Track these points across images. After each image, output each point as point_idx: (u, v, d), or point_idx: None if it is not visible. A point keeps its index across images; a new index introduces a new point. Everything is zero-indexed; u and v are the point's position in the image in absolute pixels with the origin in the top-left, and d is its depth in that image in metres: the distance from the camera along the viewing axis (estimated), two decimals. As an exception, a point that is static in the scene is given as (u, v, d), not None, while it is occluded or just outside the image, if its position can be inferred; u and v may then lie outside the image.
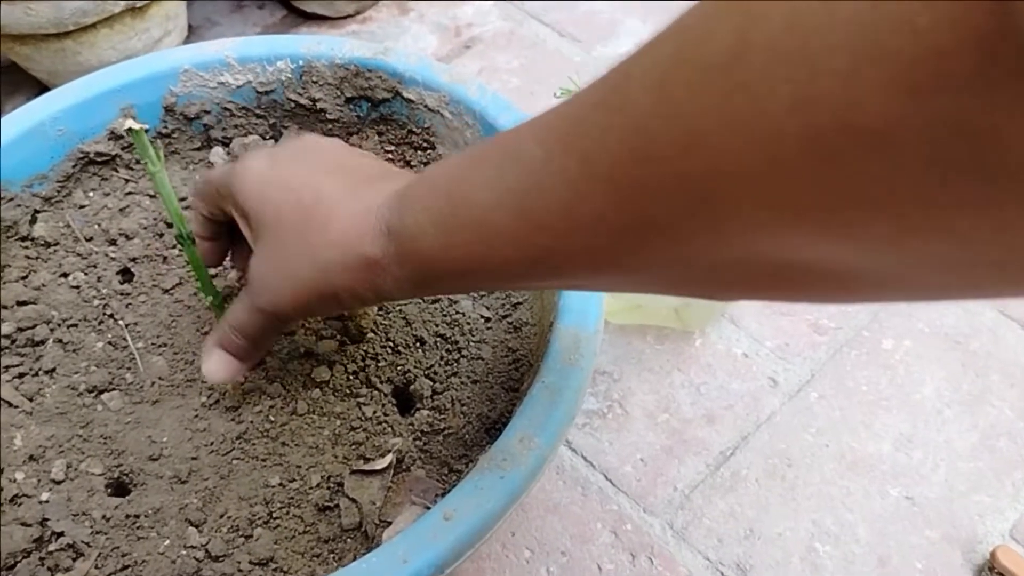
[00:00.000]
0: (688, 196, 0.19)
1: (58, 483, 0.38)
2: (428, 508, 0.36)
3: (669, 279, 0.23)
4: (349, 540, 0.37)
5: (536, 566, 0.46)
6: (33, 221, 0.46)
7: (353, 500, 0.37)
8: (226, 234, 0.39)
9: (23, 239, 0.46)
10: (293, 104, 0.50)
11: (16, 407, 0.41)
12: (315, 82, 0.50)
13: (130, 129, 0.32)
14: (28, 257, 0.46)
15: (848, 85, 0.15)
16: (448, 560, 0.31)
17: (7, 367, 0.42)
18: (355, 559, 0.36)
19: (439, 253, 0.27)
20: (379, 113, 0.50)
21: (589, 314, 0.38)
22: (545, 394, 0.35)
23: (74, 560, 0.36)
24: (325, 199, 0.31)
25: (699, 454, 0.50)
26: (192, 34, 0.74)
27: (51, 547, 0.36)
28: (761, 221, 0.18)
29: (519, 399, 0.38)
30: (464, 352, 0.43)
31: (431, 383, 0.41)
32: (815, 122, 0.16)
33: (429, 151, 0.49)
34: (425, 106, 0.48)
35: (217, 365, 0.36)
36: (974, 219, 0.16)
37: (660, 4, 0.77)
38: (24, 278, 0.45)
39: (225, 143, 0.51)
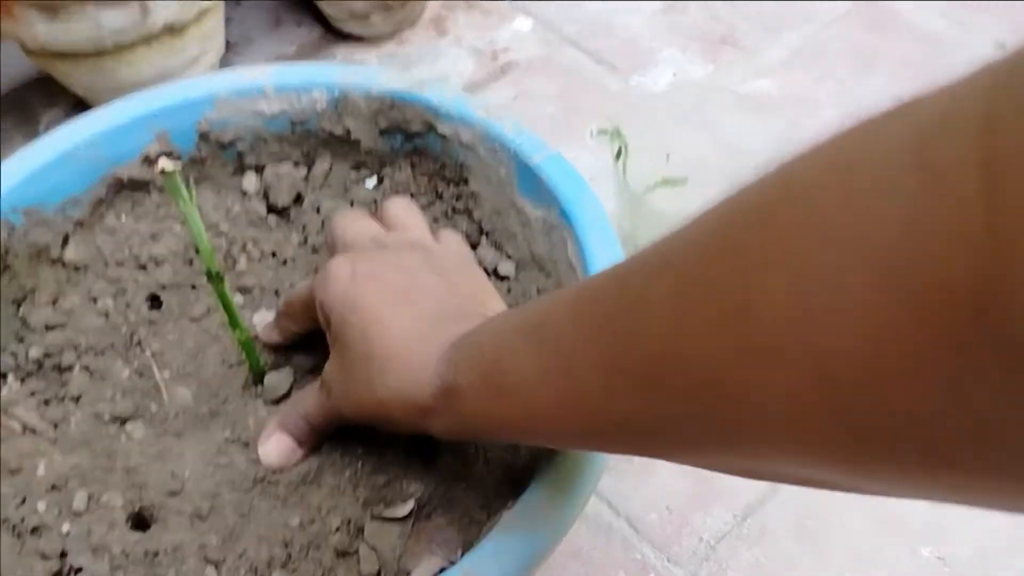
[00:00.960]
0: (707, 423, 0.20)
1: (79, 515, 0.38)
2: (449, 561, 0.36)
3: (692, 463, 0.24)
4: (367, 588, 0.36)
5: (556, 613, 0.45)
6: (64, 244, 0.47)
7: (373, 547, 0.37)
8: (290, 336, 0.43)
9: (54, 261, 0.46)
10: (327, 134, 0.50)
11: (41, 434, 0.41)
12: (350, 113, 0.49)
13: (163, 171, 0.31)
14: (58, 280, 0.46)
15: (867, 371, 0.15)
16: (467, 622, 0.30)
17: (33, 392, 0.42)
18: (372, 609, 0.36)
19: (484, 416, 0.30)
20: (413, 145, 0.50)
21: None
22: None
23: (91, 596, 0.36)
24: (389, 337, 0.33)
25: (727, 504, 0.49)
26: (229, 51, 0.74)
27: (69, 582, 0.36)
28: (778, 453, 0.19)
29: (543, 449, 0.38)
30: (490, 397, 0.42)
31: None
32: (837, 399, 0.16)
33: (462, 185, 0.49)
34: (459, 142, 0.48)
35: (277, 447, 0.39)
36: (982, 490, 0.16)
37: (700, 33, 0.76)
38: (54, 302, 0.45)
39: (258, 170, 0.51)
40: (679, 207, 0.47)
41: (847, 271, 0.15)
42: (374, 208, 0.50)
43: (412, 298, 0.35)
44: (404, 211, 0.44)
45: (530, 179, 0.45)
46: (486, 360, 0.29)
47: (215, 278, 0.38)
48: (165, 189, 0.47)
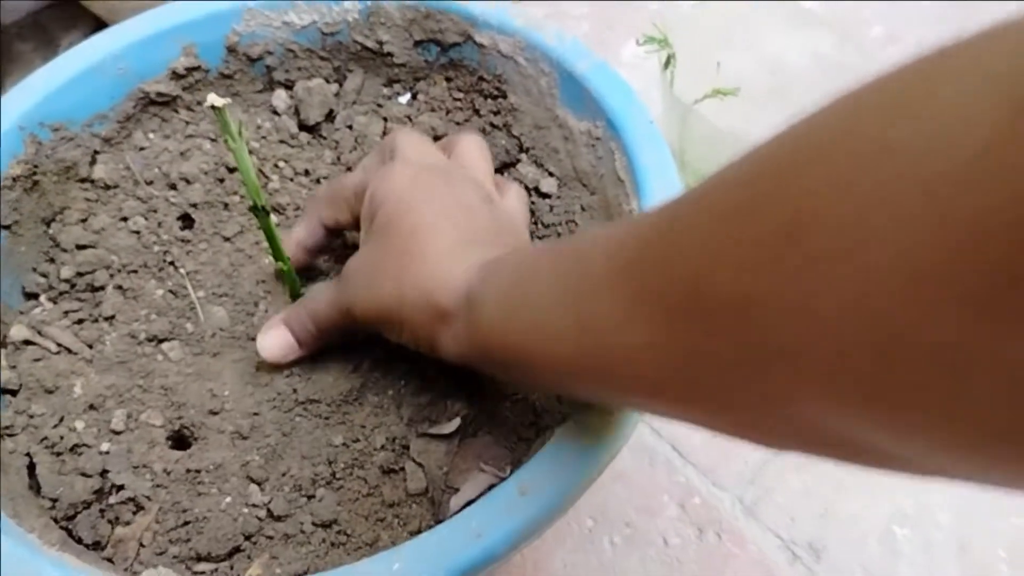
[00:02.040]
0: (736, 356, 0.19)
1: (118, 434, 0.38)
2: (498, 477, 0.35)
3: (719, 424, 0.22)
4: (415, 506, 0.36)
5: (599, 536, 0.45)
6: (93, 162, 0.45)
7: (419, 464, 0.36)
8: (321, 238, 0.41)
9: (83, 180, 0.45)
10: (359, 47, 0.48)
11: (76, 354, 0.40)
12: (383, 23, 0.47)
13: (213, 106, 0.30)
14: (88, 199, 0.44)
15: (917, 299, 0.14)
16: (523, 536, 0.29)
17: (66, 312, 0.41)
18: (421, 526, 0.35)
19: (498, 332, 0.29)
20: (448, 58, 0.48)
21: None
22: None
23: (134, 513, 0.35)
24: (433, 241, 0.33)
25: (772, 427, 0.48)
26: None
27: (111, 499, 0.36)
28: (812, 401, 0.17)
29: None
30: (536, 314, 0.41)
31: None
32: (872, 335, 0.15)
33: (500, 99, 0.47)
34: (498, 51, 0.46)
35: (275, 342, 0.38)
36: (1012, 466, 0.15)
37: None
38: (84, 221, 0.44)
39: (288, 86, 0.49)
40: (728, 122, 0.45)
41: (912, 192, 0.14)
42: (408, 124, 0.48)
43: (460, 216, 0.35)
44: (475, 151, 0.41)
45: (573, 89, 0.43)
46: (509, 279, 0.29)
47: (260, 212, 0.36)
48: (198, 88, 0.46)
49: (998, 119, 0.13)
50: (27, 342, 0.40)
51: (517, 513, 0.29)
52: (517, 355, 0.28)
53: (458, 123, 0.47)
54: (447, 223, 0.34)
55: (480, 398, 0.38)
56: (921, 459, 0.17)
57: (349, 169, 0.47)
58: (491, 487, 0.35)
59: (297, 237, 0.41)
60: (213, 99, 0.29)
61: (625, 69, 0.52)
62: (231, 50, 0.47)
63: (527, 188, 0.45)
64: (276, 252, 0.38)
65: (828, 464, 0.46)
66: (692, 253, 0.19)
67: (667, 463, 0.47)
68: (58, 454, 0.37)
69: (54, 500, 0.35)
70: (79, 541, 0.35)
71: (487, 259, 0.31)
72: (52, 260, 0.43)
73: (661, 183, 0.38)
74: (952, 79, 0.14)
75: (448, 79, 0.48)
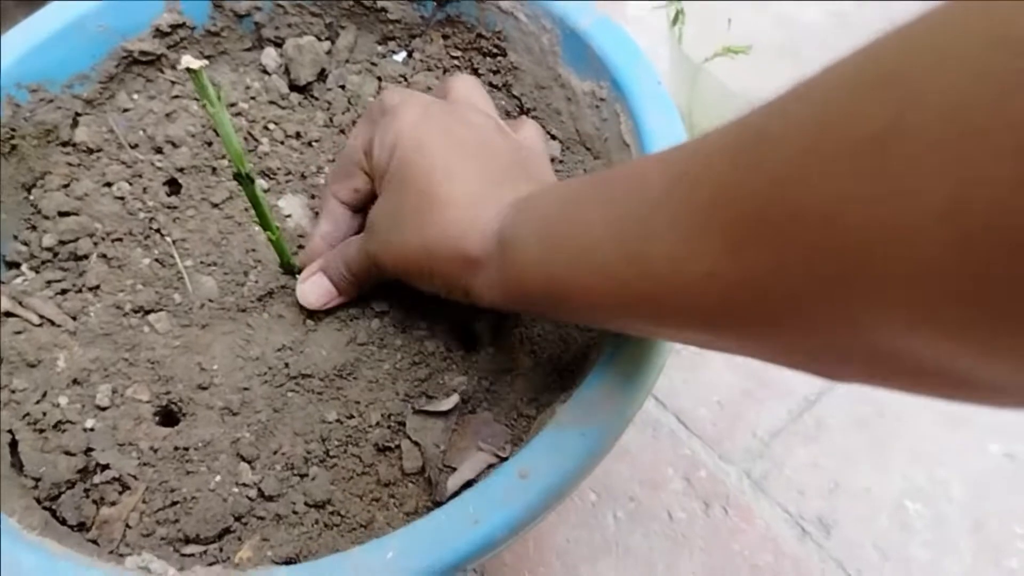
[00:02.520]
0: (814, 275, 0.17)
1: (103, 410, 0.36)
2: (497, 456, 0.34)
3: (775, 352, 0.21)
4: (411, 485, 0.34)
5: (602, 511, 0.43)
6: (75, 125, 0.43)
7: (415, 442, 0.35)
8: (346, 223, 0.39)
9: (64, 144, 0.43)
10: (352, 2, 0.46)
11: (59, 326, 0.38)
12: (377, -23, 0.45)
13: (188, 69, 0.28)
14: (70, 164, 0.43)
15: (1013, 196, 0.13)
16: (523, 522, 0.28)
17: (49, 282, 0.40)
18: (417, 506, 0.34)
19: (538, 270, 0.27)
20: (445, 14, 0.45)
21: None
22: (632, 339, 0.31)
23: (120, 493, 0.34)
24: (453, 184, 0.31)
25: (781, 399, 0.47)
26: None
27: (96, 479, 0.34)
28: (894, 320, 0.16)
29: (597, 341, 0.35)
30: (537, 285, 0.39)
31: (498, 318, 0.38)
32: (970, 233, 0.14)
33: (499, 57, 0.45)
34: (497, 7, 0.43)
35: (314, 288, 0.37)
36: None
37: None
38: (66, 186, 0.42)
39: (278, 43, 0.47)
40: (739, 82, 0.43)
41: (1012, 95, 0.13)
42: (403, 83, 0.46)
43: (480, 155, 0.33)
44: (473, 89, 0.39)
45: (576, 47, 0.41)
46: (549, 213, 0.27)
47: (245, 180, 0.34)
48: (182, 47, 0.43)
49: None
50: (8, 314, 0.38)
51: (517, 498, 0.28)
52: (561, 293, 0.26)
53: (456, 83, 0.45)
54: (468, 163, 0.32)
55: (479, 373, 0.36)
56: (1017, 384, 0.16)
57: (342, 132, 0.45)
58: (490, 467, 0.34)
59: (323, 231, 0.39)
60: (188, 61, 0.27)
61: (630, 25, 0.49)
62: (217, 6, 0.45)
63: (528, 151, 0.43)
64: (263, 221, 0.36)
65: (838, 434, 0.44)
66: (775, 165, 0.18)
67: (672, 436, 0.45)
68: (41, 431, 0.35)
69: (37, 479, 0.34)
70: (63, 522, 0.34)
71: (519, 197, 0.30)
72: (34, 228, 0.41)
73: (668, 146, 0.36)
74: None
75: (445, 36, 0.46)
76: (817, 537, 0.43)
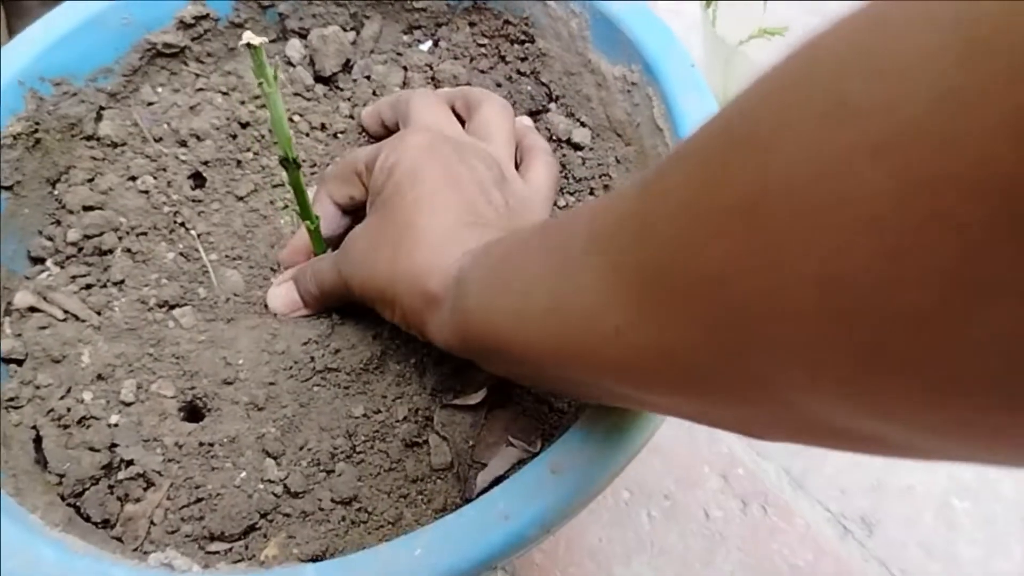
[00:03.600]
0: (714, 337, 0.17)
1: (128, 405, 0.36)
2: (528, 451, 0.33)
3: (703, 417, 0.21)
4: (439, 481, 0.33)
5: (636, 509, 0.42)
6: (99, 119, 0.43)
7: (444, 437, 0.34)
8: (336, 222, 0.39)
9: (88, 138, 0.42)
10: (377, -10, 0.45)
11: (83, 321, 0.38)
12: (401, -35, 0.44)
13: (249, 44, 0.27)
14: (94, 158, 0.42)
15: (876, 267, 0.13)
16: (555, 519, 0.27)
17: (74, 277, 0.39)
18: (446, 503, 0.33)
19: (479, 316, 0.27)
20: (472, 1, 0.45)
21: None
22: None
23: (145, 490, 0.34)
24: (434, 219, 0.32)
25: (821, 393, 0.45)
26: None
27: (120, 475, 0.34)
28: (796, 383, 0.16)
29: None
30: (567, 276, 0.38)
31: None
32: (842, 303, 0.14)
33: (527, 44, 0.44)
34: (525, -8, 0.42)
35: (282, 297, 0.38)
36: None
37: None
38: (90, 180, 0.42)
39: (302, 35, 0.46)
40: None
41: (866, 155, 0.13)
42: (429, 72, 0.45)
43: (469, 197, 0.33)
44: (496, 117, 0.39)
45: (607, 31, 0.40)
46: (499, 258, 0.27)
47: (290, 165, 0.34)
48: (206, 38, 0.43)
49: (946, 65, 0.12)
50: (33, 309, 0.38)
51: (548, 494, 0.27)
52: (496, 342, 0.26)
53: (482, 71, 0.44)
54: (453, 198, 0.32)
55: (508, 366, 0.35)
56: (919, 443, 0.16)
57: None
58: (520, 462, 0.33)
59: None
60: (250, 37, 0.26)
61: (663, 12, 0.48)
62: (241, -4, 0.44)
63: (557, 140, 0.42)
64: (304, 210, 0.35)
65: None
66: (665, 225, 0.18)
67: (707, 433, 0.44)
68: (65, 427, 0.35)
69: (61, 476, 0.34)
70: (87, 519, 0.33)
71: (487, 240, 0.30)
72: (58, 222, 0.41)
73: (704, 132, 0.35)
74: (901, 27, 0.13)
75: (472, 24, 0.45)
76: (859, 536, 0.41)
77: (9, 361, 0.37)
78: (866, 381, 0.14)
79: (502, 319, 0.25)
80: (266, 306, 0.39)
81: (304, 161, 0.43)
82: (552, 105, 0.43)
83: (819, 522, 0.41)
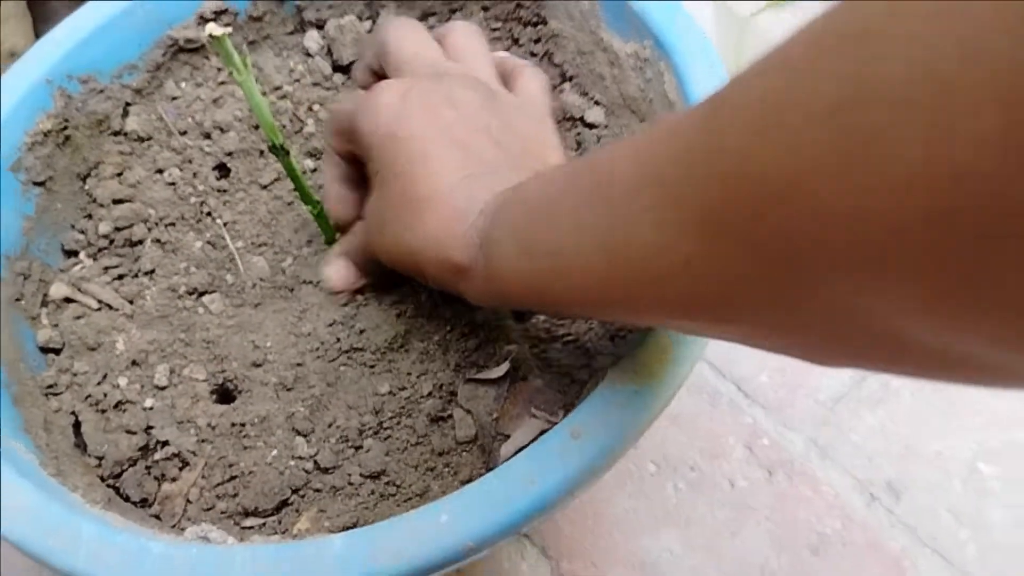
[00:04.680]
0: (789, 254, 0.16)
1: (161, 389, 0.37)
2: (550, 422, 0.33)
3: (764, 342, 0.20)
4: (465, 454, 0.34)
5: (662, 480, 0.43)
6: (125, 114, 0.44)
7: (468, 411, 0.34)
8: (361, 180, 0.37)
9: (116, 133, 0.43)
10: (391, -22, 0.46)
11: (117, 310, 0.39)
12: (414, -48, 0.45)
13: (211, 35, 0.28)
14: (122, 153, 0.43)
15: (983, 157, 0.12)
16: (579, 482, 0.28)
17: (106, 268, 0.41)
18: (472, 474, 0.34)
19: (517, 275, 0.26)
20: (485, -15, 0.45)
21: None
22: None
23: (180, 469, 0.35)
24: (431, 180, 0.30)
25: (844, 363, 0.45)
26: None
27: (156, 456, 0.35)
28: (876, 298, 0.15)
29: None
30: (585, 250, 0.38)
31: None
32: (948, 201, 0.13)
33: (540, 26, 0.44)
34: (537, -27, 0.43)
35: (338, 273, 0.37)
36: None
37: None
38: (119, 175, 0.43)
39: (320, 26, 0.47)
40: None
41: (985, 38, 0.12)
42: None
43: (463, 140, 0.31)
44: (467, 39, 0.37)
45: (617, 9, 0.40)
46: (525, 208, 0.26)
47: (279, 151, 0.34)
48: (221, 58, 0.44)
49: None
50: (68, 300, 0.39)
51: (571, 458, 0.28)
52: (542, 294, 0.26)
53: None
54: (447, 152, 0.31)
55: (530, 341, 0.36)
56: (1013, 363, 0.15)
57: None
58: (543, 432, 0.33)
59: (335, 193, 0.38)
60: (212, 28, 0.27)
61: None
62: (258, -10, 0.45)
63: (572, 119, 0.42)
64: (302, 194, 0.36)
65: (906, 397, 0.43)
66: (736, 140, 0.17)
67: (731, 404, 0.44)
68: (102, 411, 0.36)
69: (100, 458, 0.35)
70: (126, 499, 0.34)
71: (499, 191, 0.28)
72: (90, 216, 0.42)
73: (716, 102, 0.35)
74: None
75: (485, 8, 0.46)
76: (887, 503, 0.41)
77: (47, 351, 0.38)
78: (974, 290, 0.13)
79: (542, 276, 0.25)
80: (291, 289, 0.39)
81: (323, 149, 0.43)
82: (566, 85, 0.44)
83: (846, 490, 0.42)
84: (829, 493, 0.42)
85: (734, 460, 0.43)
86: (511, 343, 0.36)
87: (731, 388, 0.45)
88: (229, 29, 0.28)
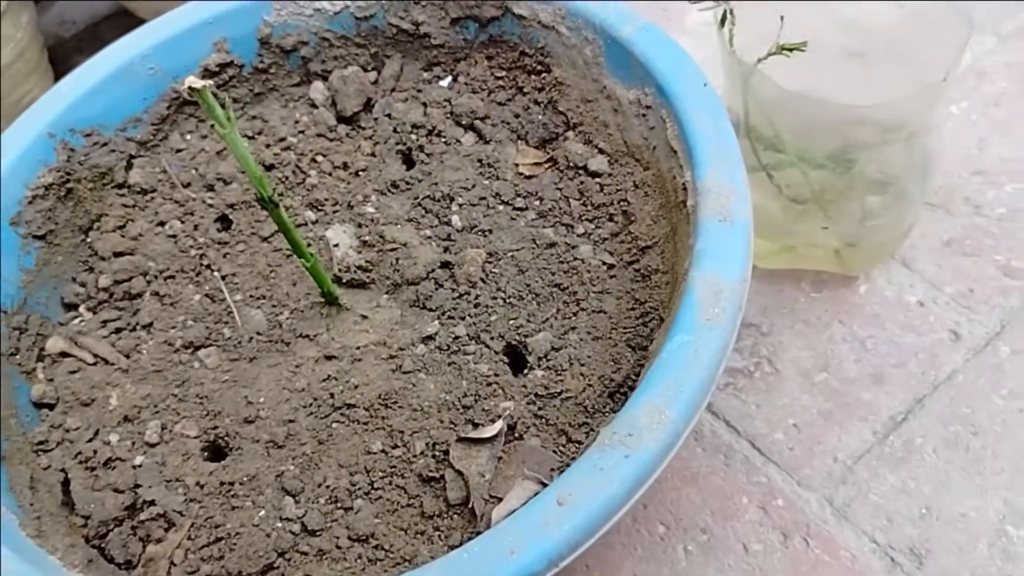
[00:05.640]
0: None
1: (152, 446, 0.36)
2: (543, 484, 0.32)
3: None
4: (455, 517, 0.33)
5: (672, 544, 0.41)
6: (129, 167, 0.44)
7: (459, 472, 0.33)
8: None
9: (119, 186, 0.44)
10: (395, 29, 0.46)
11: (112, 364, 0.39)
12: (418, 3, 0.45)
13: (192, 88, 0.28)
14: (125, 205, 0.43)
15: None
16: (562, 553, 0.26)
17: (104, 322, 0.40)
18: (462, 539, 0.32)
19: None
20: (488, 35, 0.45)
21: (733, 258, 0.31)
22: (679, 355, 0.29)
23: (166, 530, 0.34)
24: None
25: (864, 419, 0.43)
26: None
27: (143, 516, 0.34)
28: None
29: (647, 360, 0.33)
30: (584, 305, 0.37)
31: (547, 339, 0.36)
32: None
33: (544, 74, 0.44)
34: (538, 22, 0.42)
35: None
36: None
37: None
38: (121, 227, 0.43)
39: (325, 77, 0.47)
40: (797, 82, 0.41)
41: None
42: (448, 107, 0.45)
43: None
44: None
45: (620, 56, 0.39)
46: None
47: (268, 204, 0.34)
48: (229, 86, 0.44)
49: None
50: (64, 354, 0.39)
51: (555, 527, 0.26)
52: None
53: (500, 103, 0.44)
54: None
55: (527, 398, 0.35)
56: None
57: (386, 161, 0.44)
58: (536, 495, 0.32)
59: None
60: (192, 81, 0.26)
61: (689, 38, 0.48)
62: (264, 43, 0.45)
63: (575, 167, 0.41)
64: (295, 248, 0.35)
65: (930, 456, 0.41)
66: None
67: (745, 462, 0.43)
68: (91, 469, 0.36)
69: (86, 517, 0.34)
70: (111, 560, 0.33)
71: None
72: (91, 269, 0.42)
73: (717, 150, 0.34)
74: None
75: (489, 58, 0.45)
76: (909, 568, 0.39)
77: (41, 406, 0.38)
78: None
79: None
80: (287, 343, 0.39)
81: (327, 200, 0.43)
82: (570, 133, 0.43)
83: (865, 554, 0.39)
84: (847, 558, 0.39)
85: (748, 522, 0.41)
86: (508, 400, 0.35)
87: (745, 445, 0.43)
88: (210, 82, 0.28)
